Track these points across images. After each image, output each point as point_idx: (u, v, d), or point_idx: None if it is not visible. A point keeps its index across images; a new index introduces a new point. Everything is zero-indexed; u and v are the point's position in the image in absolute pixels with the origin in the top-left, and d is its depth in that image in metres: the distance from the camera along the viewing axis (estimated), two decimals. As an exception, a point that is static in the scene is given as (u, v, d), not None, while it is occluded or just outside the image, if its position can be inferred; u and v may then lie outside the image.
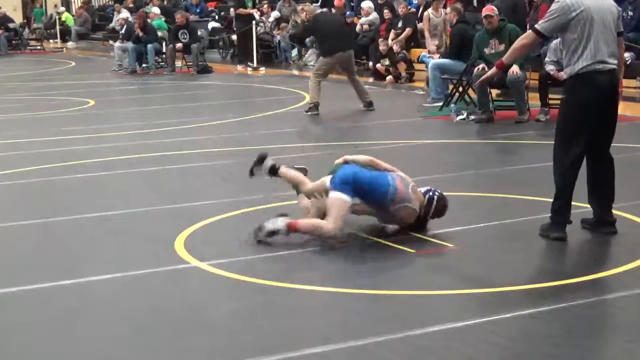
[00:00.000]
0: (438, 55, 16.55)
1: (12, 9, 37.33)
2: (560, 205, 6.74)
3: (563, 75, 12.65)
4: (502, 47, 12.74)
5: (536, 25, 6.75)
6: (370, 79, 18.93)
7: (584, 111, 6.67)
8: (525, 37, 6.84)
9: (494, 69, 7.27)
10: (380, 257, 6.59)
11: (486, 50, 13.08)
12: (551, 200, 6.83)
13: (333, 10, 21.42)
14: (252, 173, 7.38)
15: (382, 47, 18.91)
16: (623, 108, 14.37)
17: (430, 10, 18.47)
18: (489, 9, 13.27)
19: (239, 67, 22.86)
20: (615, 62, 6.78)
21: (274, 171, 7.27)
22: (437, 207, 7.01)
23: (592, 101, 6.65)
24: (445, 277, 5.98)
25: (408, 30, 19.48)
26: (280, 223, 6.79)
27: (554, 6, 6.67)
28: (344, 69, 14.79)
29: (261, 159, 7.33)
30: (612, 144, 6.91)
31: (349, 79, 14.75)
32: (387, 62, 18.80)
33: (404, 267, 6.29)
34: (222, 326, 5.21)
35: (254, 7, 24.08)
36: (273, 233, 6.76)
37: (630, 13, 16.75)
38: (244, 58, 23.14)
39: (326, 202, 6.86)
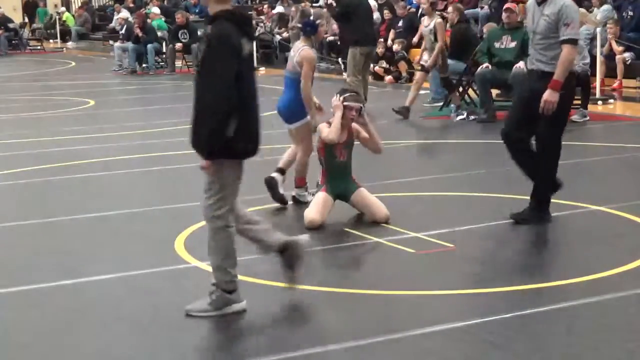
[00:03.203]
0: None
1: (11, 9, 37.33)
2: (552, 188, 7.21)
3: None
4: (513, 44, 12.86)
5: (573, 37, 6.95)
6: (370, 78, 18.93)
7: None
8: (570, 53, 6.96)
9: (552, 92, 6.96)
10: (380, 257, 6.60)
11: (496, 44, 13.09)
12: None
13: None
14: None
15: (379, 49, 18.91)
16: (623, 108, 14.44)
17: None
18: (512, 5, 13.36)
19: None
20: None
21: (282, 171, 8.10)
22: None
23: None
24: (445, 277, 5.98)
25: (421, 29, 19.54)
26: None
27: (575, 14, 6.99)
28: (365, 64, 14.64)
29: (270, 186, 8.01)
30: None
31: (363, 77, 14.66)
32: (384, 63, 18.80)
33: (404, 267, 6.29)
34: (222, 326, 5.20)
35: None
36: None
37: (630, 13, 16.75)
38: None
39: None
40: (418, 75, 14.11)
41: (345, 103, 7.47)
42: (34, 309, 5.56)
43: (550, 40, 7.02)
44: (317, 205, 7.29)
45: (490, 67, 12.89)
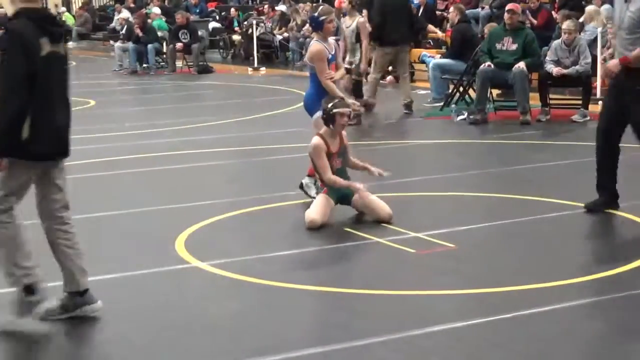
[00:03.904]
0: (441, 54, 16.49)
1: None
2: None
3: (562, 71, 12.78)
4: (514, 46, 12.88)
5: None
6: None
7: None
8: None
9: (617, 64, 7.23)
10: (380, 257, 6.59)
11: (497, 46, 13.07)
12: (551, 200, 6.88)
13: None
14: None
15: None
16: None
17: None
18: (514, 6, 13.35)
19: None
20: None
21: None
22: None
23: None
24: (445, 277, 5.97)
25: (429, 27, 19.55)
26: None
27: None
28: (396, 63, 14.36)
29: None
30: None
31: (400, 77, 14.49)
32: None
33: (404, 267, 6.29)
34: (222, 326, 5.21)
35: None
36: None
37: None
38: None
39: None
40: (346, 80, 12.44)
41: (334, 110, 7.45)
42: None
43: (635, 35, 7.16)
44: (318, 205, 7.29)
45: (492, 66, 12.88)
